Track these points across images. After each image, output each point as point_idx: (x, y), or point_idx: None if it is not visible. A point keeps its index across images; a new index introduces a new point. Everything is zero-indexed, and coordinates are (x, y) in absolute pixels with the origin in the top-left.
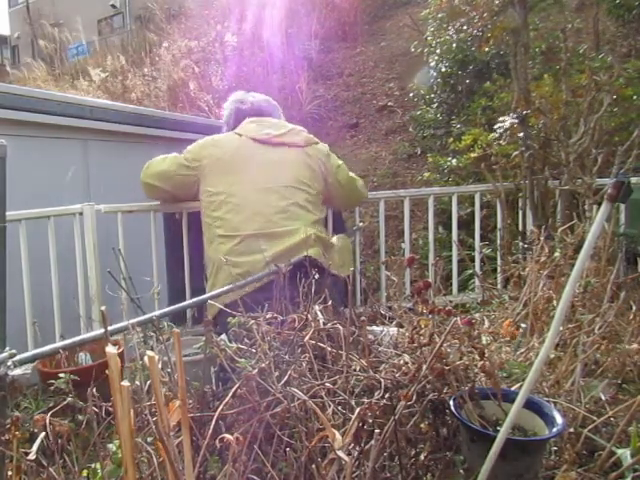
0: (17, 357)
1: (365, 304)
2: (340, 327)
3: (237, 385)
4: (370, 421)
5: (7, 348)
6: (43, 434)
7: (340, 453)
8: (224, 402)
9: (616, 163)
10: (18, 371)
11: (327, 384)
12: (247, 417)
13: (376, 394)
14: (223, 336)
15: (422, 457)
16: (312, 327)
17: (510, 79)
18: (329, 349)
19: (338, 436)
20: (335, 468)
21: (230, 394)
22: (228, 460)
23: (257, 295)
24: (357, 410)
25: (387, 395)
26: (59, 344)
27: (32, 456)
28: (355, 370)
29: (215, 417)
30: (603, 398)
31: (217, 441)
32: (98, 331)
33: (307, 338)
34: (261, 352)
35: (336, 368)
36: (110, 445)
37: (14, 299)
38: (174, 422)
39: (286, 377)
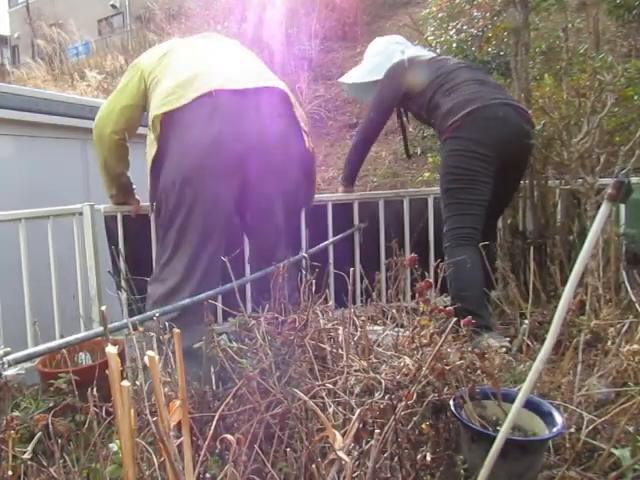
0: (11, 356)
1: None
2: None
3: (238, 385)
4: (370, 421)
5: (2, 346)
6: (39, 434)
7: (340, 453)
8: (225, 402)
9: (618, 163)
10: (12, 371)
11: (328, 384)
12: (247, 417)
13: (376, 395)
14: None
15: (422, 457)
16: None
17: (510, 79)
18: (329, 349)
19: (338, 436)
20: (335, 468)
21: (231, 395)
22: (228, 460)
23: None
24: (358, 411)
25: (387, 396)
26: (53, 343)
27: (27, 455)
28: (356, 370)
29: (216, 417)
30: (603, 398)
31: (218, 441)
32: (91, 331)
33: (307, 338)
34: (260, 340)
35: (337, 369)
36: (112, 445)
37: (14, 299)
38: (174, 422)
39: (286, 378)
